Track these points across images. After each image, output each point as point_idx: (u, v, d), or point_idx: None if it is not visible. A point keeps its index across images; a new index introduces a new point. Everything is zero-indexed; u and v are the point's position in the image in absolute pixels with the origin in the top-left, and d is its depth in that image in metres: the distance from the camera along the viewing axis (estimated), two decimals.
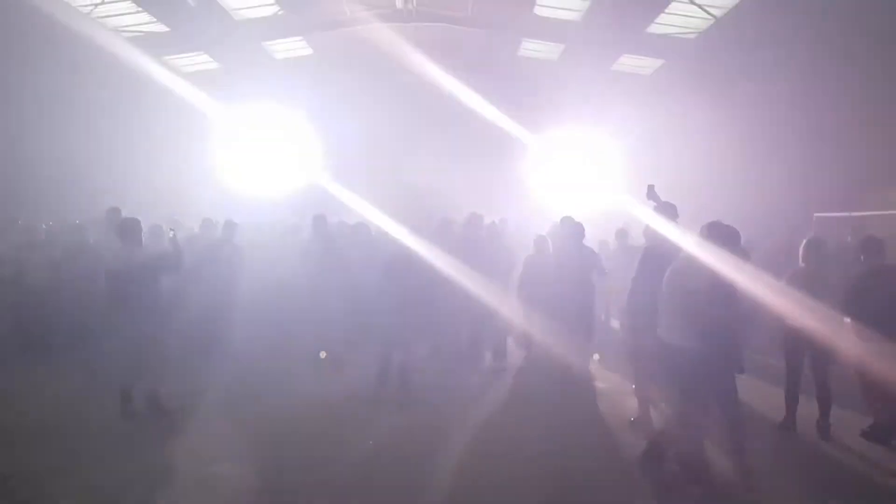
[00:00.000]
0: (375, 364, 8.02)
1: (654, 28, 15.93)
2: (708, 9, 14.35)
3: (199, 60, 18.49)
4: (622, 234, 11.32)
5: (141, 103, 16.09)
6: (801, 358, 6.70)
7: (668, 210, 6.63)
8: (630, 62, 18.63)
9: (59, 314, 9.93)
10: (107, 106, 15.33)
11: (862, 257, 6.58)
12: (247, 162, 18.42)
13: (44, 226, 10.79)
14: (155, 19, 15.47)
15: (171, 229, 7.76)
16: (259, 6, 16.06)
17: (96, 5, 14.07)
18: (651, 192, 6.99)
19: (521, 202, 17.05)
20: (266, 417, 7.19)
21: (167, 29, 16.00)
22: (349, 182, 16.20)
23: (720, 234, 5.22)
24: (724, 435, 5.31)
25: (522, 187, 18.72)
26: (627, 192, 14.04)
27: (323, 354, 9.00)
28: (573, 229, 9.23)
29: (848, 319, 6.25)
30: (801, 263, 6.75)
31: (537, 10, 16.23)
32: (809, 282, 6.42)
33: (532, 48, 19.21)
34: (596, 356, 9.61)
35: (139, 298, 7.00)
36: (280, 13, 16.43)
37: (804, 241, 6.87)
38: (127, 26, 15.53)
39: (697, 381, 5.10)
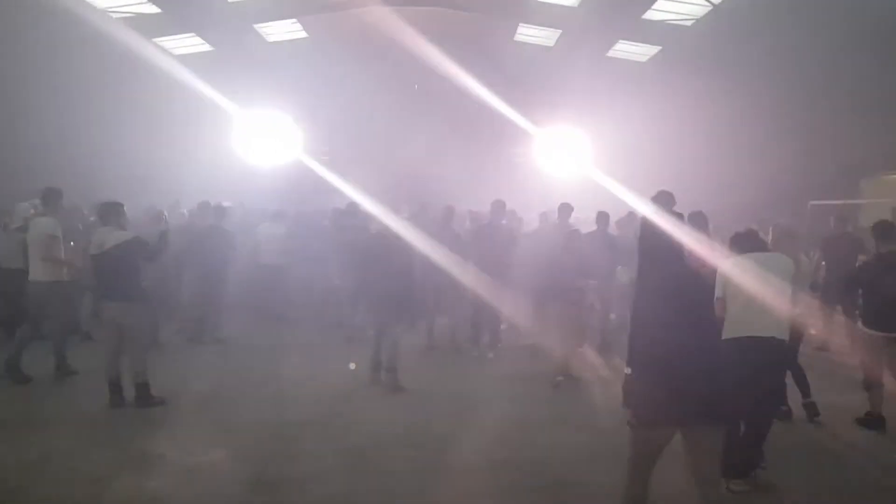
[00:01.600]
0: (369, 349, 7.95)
1: (650, 14, 15.83)
2: None
3: (190, 42, 18.26)
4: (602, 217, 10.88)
5: (131, 85, 15.85)
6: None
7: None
8: (626, 48, 18.53)
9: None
10: (95, 87, 15.09)
11: (875, 242, 6.51)
12: (238, 145, 18.21)
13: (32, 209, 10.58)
14: (146, 0, 15.23)
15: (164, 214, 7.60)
16: None
17: None
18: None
19: (516, 187, 16.96)
20: (257, 405, 7.12)
21: (158, 10, 15.77)
22: (342, 166, 16.08)
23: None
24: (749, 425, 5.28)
25: (518, 172, 18.66)
26: (621, 179, 14.00)
27: (353, 366, 8.71)
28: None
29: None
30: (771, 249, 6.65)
31: None
32: None
33: (529, 33, 19.10)
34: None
35: (115, 285, 6.87)
36: None
37: (772, 227, 6.78)
38: (117, 7, 15.29)
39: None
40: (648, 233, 4.04)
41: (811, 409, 6.61)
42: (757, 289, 5.16)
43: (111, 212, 7.14)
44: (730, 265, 5.49)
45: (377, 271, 7.63)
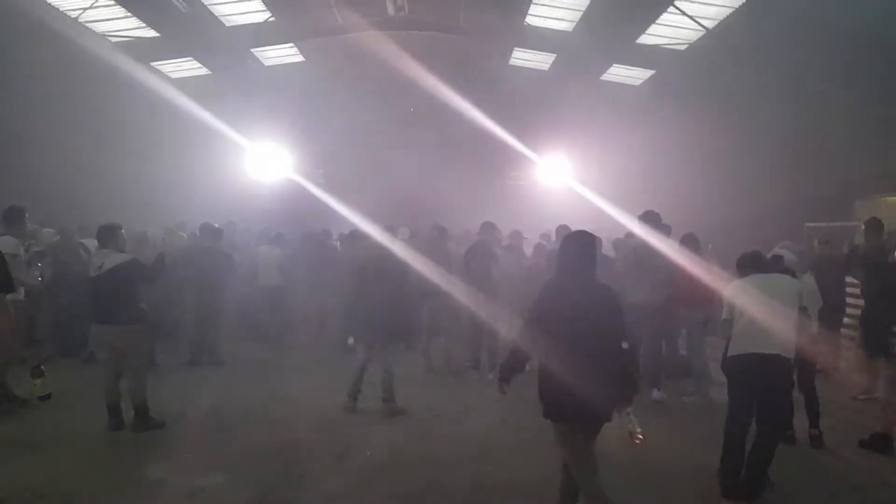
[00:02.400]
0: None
1: (644, 39, 15.99)
2: (699, 20, 14.41)
3: (188, 66, 18.37)
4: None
5: (129, 109, 15.90)
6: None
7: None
8: (620, 72, 18.72)
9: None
10: (94, 111, 15.14)
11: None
12: (236, 167, 18.29)
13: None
14: (144, 24, 15.35)
15: (163, 236, 7.58)
16: (250, 12, 15.98)
17: (84, 10, 13.92)
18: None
19: (512, 209, 17.05)
20: (256, 428, 7.08)
21: (157, 34, 15.88)
22: (338, 188, 16.14)
23: None
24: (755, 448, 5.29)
25: (514, 194, 18.75)
26: (616, 200, 14.10)
27: (351, 340, 8.73)
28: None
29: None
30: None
31: (529, 20, 16.28)
32: None
33: (523, 57, 19.28)
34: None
35: (113, 307, 6.82)
36: (271, 20, 16.36)
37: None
38: (116, 31, 15.40)
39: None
40: (564, 249, 4.40)
41: (817, 441, 6.54)
42: (761, 308, 5.18)
43: (109, 234, 7.10)
44: (734, 286, 5.54)
45: (371, 292, 7.55)
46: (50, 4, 13.41)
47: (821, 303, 6.45)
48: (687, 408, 8.01)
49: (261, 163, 18.34)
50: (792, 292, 5.40)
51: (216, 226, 10.53)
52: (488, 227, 10.17)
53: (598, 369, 3.97)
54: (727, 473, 5.31)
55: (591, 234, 4.44)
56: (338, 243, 12.57)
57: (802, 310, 5.42)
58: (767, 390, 5.17)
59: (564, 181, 18.57)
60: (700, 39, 15.26)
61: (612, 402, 4.09)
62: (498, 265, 9.67)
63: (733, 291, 5.49)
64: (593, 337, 4.00)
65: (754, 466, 5.23)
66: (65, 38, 13.55)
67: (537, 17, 16.09)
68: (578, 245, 4.33)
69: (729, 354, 5.30)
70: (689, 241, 8.35)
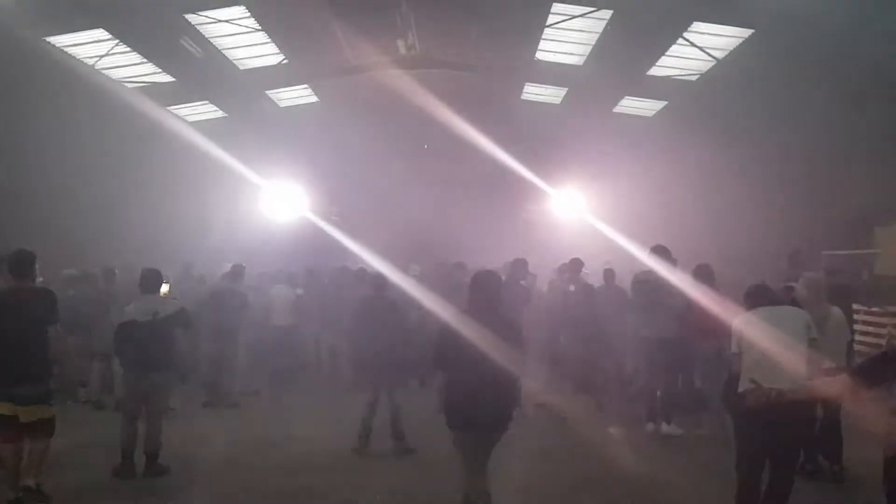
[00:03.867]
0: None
1: (655, 70, 16.04)
2: (709, 51, 14.44)
3: (204, 110, 18.70)
4: (609, 274, 11.01)
5: (147, 152, 16.20)
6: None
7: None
8: (632, 104, 18.75)
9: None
10: (111, 156, 15.43)
11: None
12: (251, 207, 18.48)
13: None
14: (160, 70, 15.67)
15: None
16: (264, 55, 16.29)
17: (101, 57, 14.25)
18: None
19: (527, 243, 17.01)
20: (268, 471, 7.01)
21: (172, 79, 16.19)
22: (353, 226, 16.23)
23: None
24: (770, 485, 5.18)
25: (529, 228, 18.74)
26: (630, 232, 14.01)
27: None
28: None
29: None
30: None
31: (539, 55, 16.40)
32: None
33: (535, 92, 19.40)
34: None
35: (161, 355, 6.75)
36: (284, 62, 16.63)
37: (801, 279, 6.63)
38: (132, 77, 15.72)
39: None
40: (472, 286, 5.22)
41: (839, 476, 6.37)
42: (768, 342, 5.06)
43: (154, 280, 7.07)
44: (742, 320, 5.43)
45: (375, 332, 7.51)
46: (67, 53, 13.73)
47: (850, 336, 6.31)
48: (703, 441, 7.84)
49: (276, 202, 18.54)
50: (800, 324, 5.28)
51: (242, 265, 10.65)
52: (521, 266, 10.11)
53: (490, 388, 4.79)
54: None
55: (494, 274, 5.57)
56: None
57: (812, 342, 5.28)
58: (782, 426, 5.00)
59: (578, 214, 18.53)
60: (711, 70, 15.28)
61: (500, 415, 4.93)
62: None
63: (741, 324, 5.39)
64: (488, 361, 4.72)
65: (773, 500, 5.10)
66: (84, 86, 13.91)
67: (548, 52, 16.23)
68: (482, 283, 5.20)
69: (740, 390, 5.16)
70: (703, 273, 8.25)
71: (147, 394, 6.83)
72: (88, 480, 6.71)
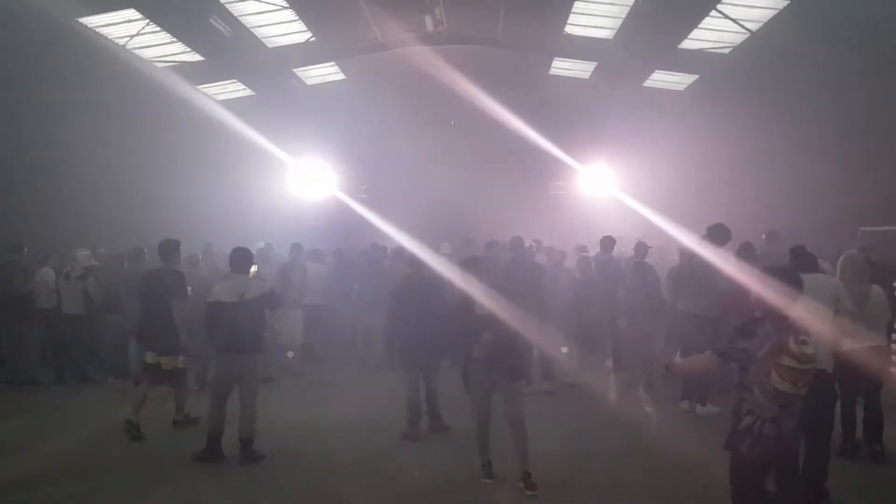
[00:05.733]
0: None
1: (686, 44, 15.75)
2: (743, 23, 14.14)
3: (233, 88, 18.76)
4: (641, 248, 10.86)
5: (177, 131, 16.33)
6: (858, 382, 6.37)
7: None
8: (663, 78, 18.46)
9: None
10: (141, 134, 15.60)
11: None
12: (280, 186, 18.61)
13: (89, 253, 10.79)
14: (189, 49, 15.73)
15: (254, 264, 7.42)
16: (291, 33, 16.27)
17: (132, 37, 14.33)
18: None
19: (556, 219, 16.97)
20: (307, 447, 7.13)
21: (201, 58, 16.25)
22: (381, 203, 16.26)
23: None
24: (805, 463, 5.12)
25: (558, 204, 18.64)
26: (661, 208, 13.89)
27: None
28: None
29: None
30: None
31: (568, 29, 16.17)
32: None
33: (563, 67, 19.17)
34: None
35: (250, 336, 6.74)
36: (312, 40, 16.61)
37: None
38: (162, 56, 15.81)
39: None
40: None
41: (878, 456, 6.31)
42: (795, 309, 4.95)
43: (245, 260, 6.94)
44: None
45: (409, 312, 7.48)
46: (99, 33, 13.83)
47: (889, 316, 6.23)
48: None
49: (305, 181, 18.63)
50: (828, 294, 5.27)
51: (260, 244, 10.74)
52: (519, 244, 9.97)
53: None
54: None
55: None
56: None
57: (842, 314, 5.25)
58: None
59: (608, 190, 18.38)
60: (744, 42, 14.97)
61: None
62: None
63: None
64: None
65: (809, 483, 5.07)
66: (115, 65, 14.02)
67: (577, 25, 15.98)
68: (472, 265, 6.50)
69: None
70: (746, 251, 8.20)
71: (238, 375, 6.72)
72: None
